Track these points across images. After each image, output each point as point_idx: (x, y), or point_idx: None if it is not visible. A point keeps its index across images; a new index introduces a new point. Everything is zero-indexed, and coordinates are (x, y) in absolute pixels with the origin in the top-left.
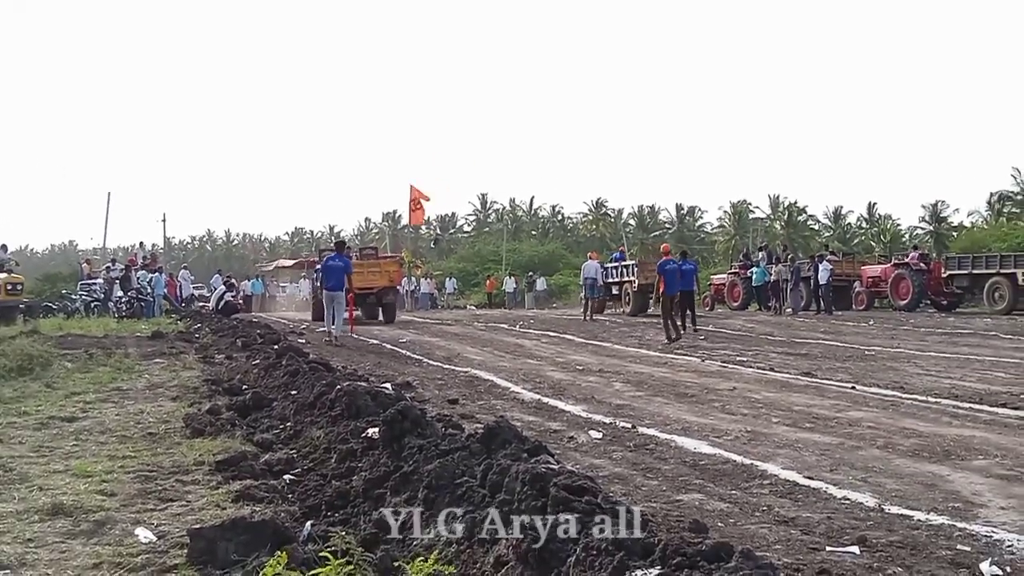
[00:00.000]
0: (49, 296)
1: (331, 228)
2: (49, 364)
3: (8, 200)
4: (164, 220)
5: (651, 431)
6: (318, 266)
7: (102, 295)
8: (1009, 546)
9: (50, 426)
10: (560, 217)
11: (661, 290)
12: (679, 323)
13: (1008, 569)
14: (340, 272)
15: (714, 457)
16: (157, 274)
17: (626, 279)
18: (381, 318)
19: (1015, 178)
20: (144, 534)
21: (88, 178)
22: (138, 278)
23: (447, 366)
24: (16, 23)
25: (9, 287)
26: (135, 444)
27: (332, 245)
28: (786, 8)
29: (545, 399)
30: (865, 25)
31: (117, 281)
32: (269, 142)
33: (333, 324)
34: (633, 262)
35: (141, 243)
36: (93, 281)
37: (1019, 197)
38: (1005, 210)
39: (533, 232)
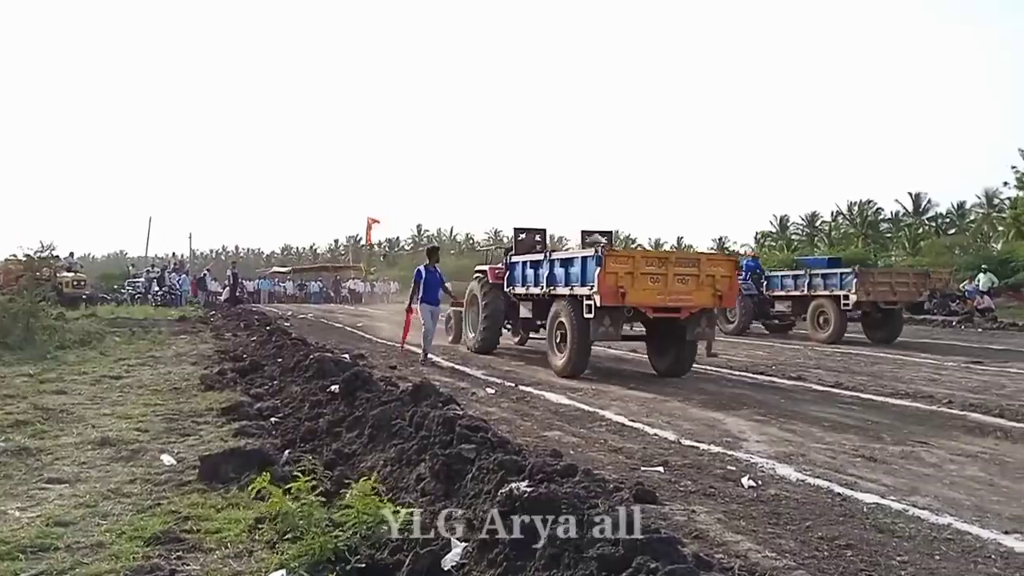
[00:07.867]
0: (105, 289)
1: (311, 246)
2: (103, 338)
3: (77, 219)
4: (190, 236)
5: (528, 388)
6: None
7: (143, 289)
8: (761, 467)
9: (102, 382)
10: (470, 241)
11: None
12: None
13: (760, 482)
14: (437, 285)
15: (569, 406)
16: (184, 275)
17: (820, 293)
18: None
19: (772, 223)
20: (168, 459)
21: (136, 203)
22: (170, 278)
23: (389, 343)
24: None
25: (75, 282)
26: (163, 395)
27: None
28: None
29: (456, 366)
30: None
31: (155, 280)
32: (269, 179)
33: (425, 343)
34: (850, 270)
35: (173, 253)
36: (137, 279)
37: (775, 234)
38: (766, 243)
39: (452, 251)
